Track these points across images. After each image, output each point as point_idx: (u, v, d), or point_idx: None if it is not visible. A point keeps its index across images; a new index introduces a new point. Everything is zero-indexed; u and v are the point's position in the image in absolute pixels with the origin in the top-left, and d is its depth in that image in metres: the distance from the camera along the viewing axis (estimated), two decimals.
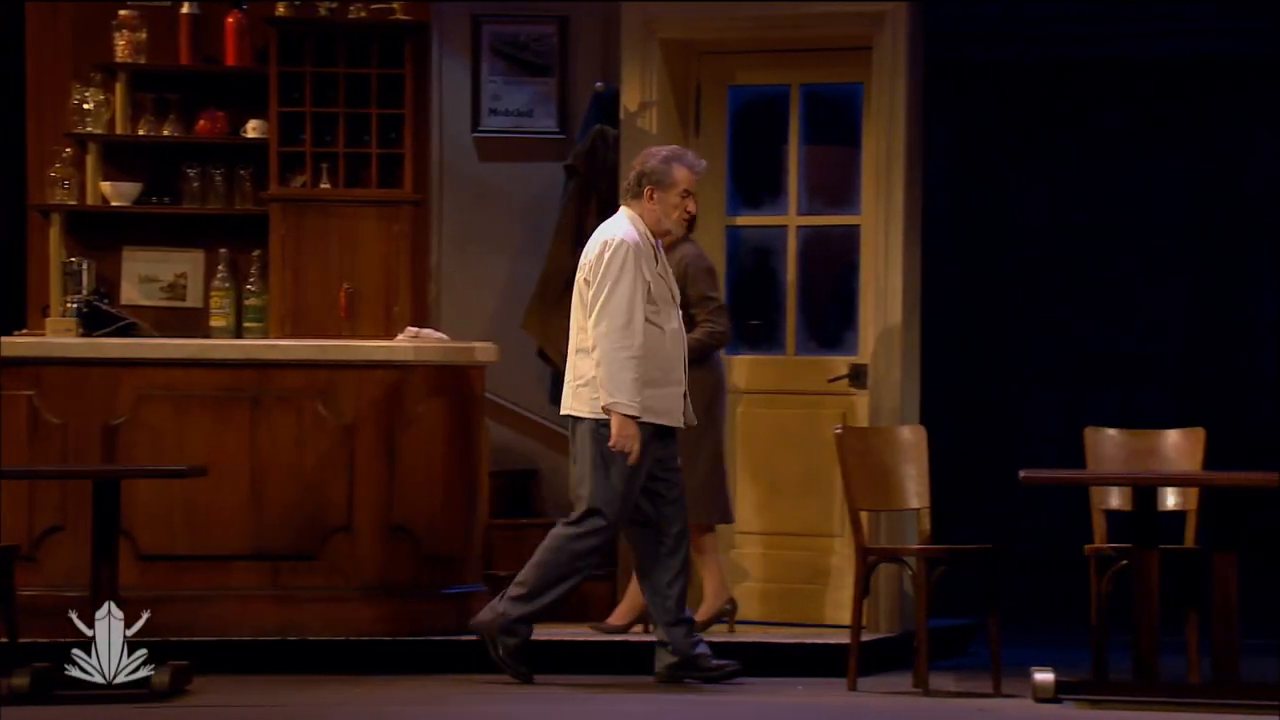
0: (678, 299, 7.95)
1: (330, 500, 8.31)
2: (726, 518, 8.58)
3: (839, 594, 8.86)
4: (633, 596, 8.43)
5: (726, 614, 8.54)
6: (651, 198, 7.88)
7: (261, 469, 8.31)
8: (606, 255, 7.73)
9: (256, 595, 8.09)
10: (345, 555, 8.32)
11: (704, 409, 8.27)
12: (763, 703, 7.49)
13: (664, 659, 7.86)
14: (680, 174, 7.89)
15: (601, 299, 7.70)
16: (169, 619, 7.86)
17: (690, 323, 8.22)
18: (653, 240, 7.89)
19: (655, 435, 7.77)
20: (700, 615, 8.38)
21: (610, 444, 7.64)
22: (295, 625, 8.22)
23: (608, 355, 7.65)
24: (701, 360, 8.30)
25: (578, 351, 7.83)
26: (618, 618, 8.48)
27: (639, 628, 8.49)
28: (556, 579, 7.78)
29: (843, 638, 8.37)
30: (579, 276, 7.85)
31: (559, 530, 7.84)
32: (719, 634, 8.42)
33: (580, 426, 7.78)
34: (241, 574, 8.28)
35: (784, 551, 9.00)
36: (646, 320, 7.72)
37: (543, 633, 8.16)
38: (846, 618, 8.77)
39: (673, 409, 7.81)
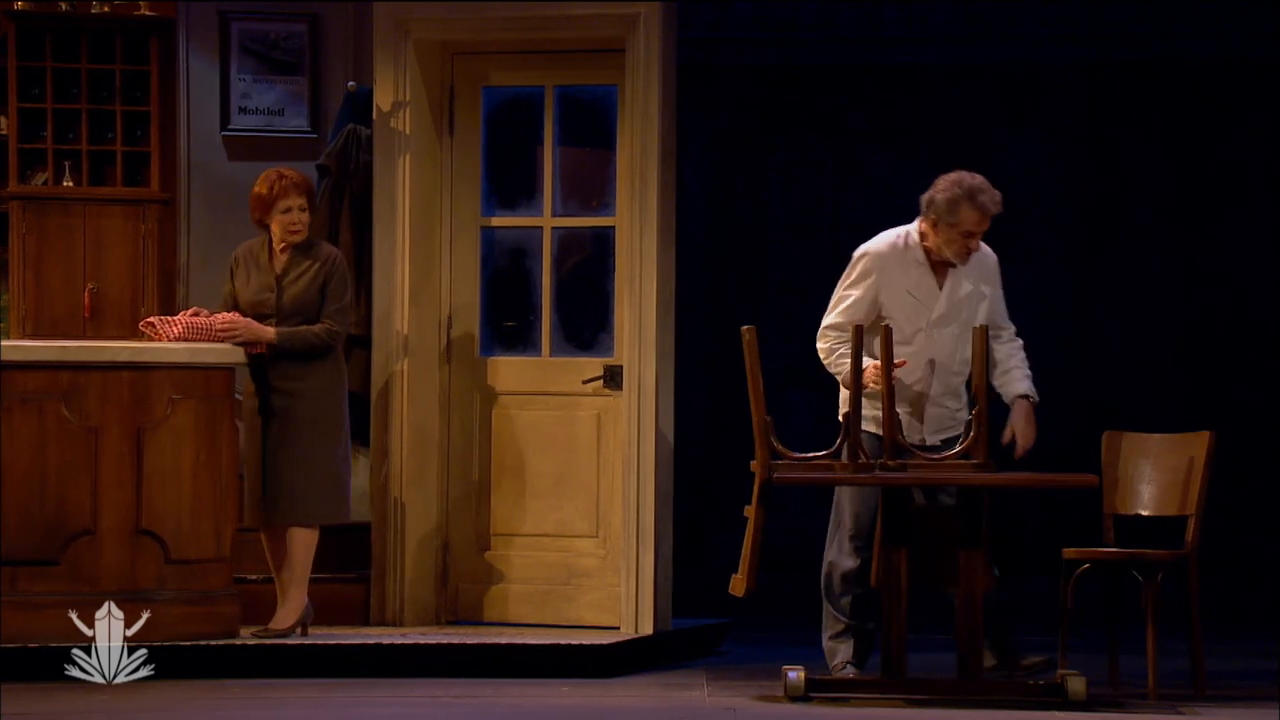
0: (933, 321, 7.76)
1: (73, 504, 8.12)
2: (343, 516, 8.43)
3: (595, 595, 8.87)
4: (294, 598, 8.33)
5: (304, 621, 8.40)
6: (934, 226, 7.75)
7: (0, 473, 8.09)
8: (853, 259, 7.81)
9: None
10: (89, 560, 8.13)
11: (337, 404, 8.26)
12: (516, 705, 7.47)
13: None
14: (967, 216, 7.71)
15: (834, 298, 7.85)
16: None
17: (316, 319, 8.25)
18: (923, 258, 7.77)
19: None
20: (278, 622, 8.28)
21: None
22: (35, 632, 8.01)
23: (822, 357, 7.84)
24: (322, 356, 8.25)
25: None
26: (280, 621, 8.34)
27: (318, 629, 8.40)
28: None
29: (601, 638, 8.39)
30: None
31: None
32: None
33: None
34: None
35: (539, 553, 8.98)
36: None
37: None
38: (603, 618, 8.82)
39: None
